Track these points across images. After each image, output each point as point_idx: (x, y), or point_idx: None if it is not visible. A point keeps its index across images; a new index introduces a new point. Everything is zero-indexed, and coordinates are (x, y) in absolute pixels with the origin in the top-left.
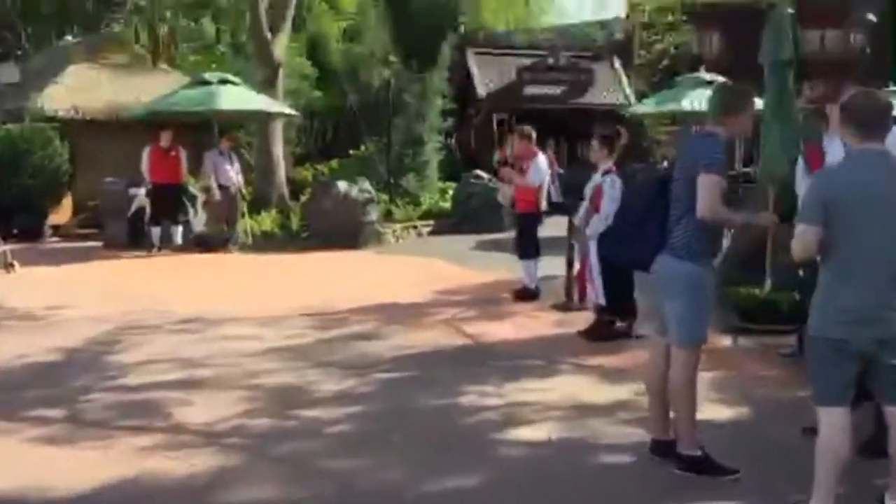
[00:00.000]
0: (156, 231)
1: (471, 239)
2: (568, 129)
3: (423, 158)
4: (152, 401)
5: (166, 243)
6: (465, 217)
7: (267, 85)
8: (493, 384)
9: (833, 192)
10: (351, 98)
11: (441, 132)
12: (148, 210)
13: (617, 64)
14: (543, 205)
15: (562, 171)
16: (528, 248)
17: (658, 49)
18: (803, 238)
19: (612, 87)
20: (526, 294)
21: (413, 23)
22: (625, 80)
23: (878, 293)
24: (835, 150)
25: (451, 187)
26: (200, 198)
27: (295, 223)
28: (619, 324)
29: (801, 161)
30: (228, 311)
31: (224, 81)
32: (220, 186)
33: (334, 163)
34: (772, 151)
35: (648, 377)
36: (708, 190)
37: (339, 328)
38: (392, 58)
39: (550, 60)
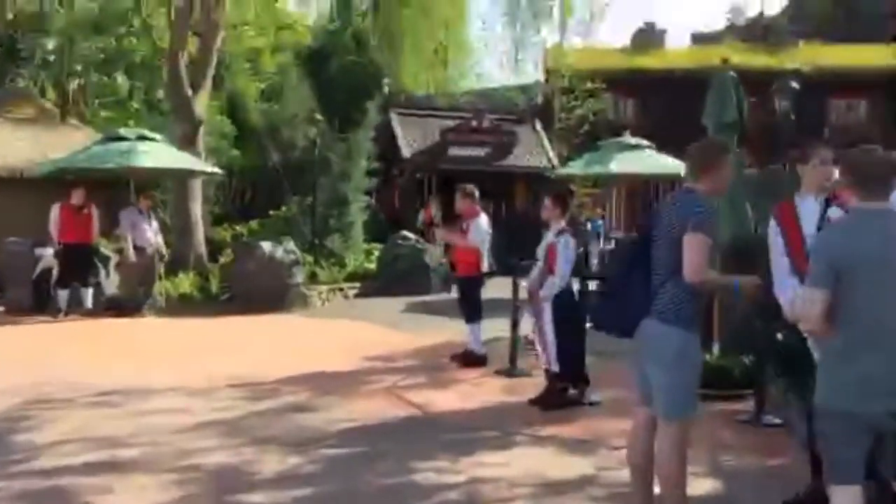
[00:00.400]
0: (63, 294)
1: (399, 301)
2: (492, 190)
3: (348, 219)
4: (68, 488)
5: (75, 307)
6: (392, 279)
7: (186, 142)
8: (448, 459)
9: (841, 253)
10: (273, 157)
11: (366, 192)
12: (55, 272)
13: (539, 127)
14: (485, 266)
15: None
16: (473, 311)
17: (578, 114)
18: (811, 302)
19: (535, 150)
20: (472, 359)
21: (334, 84)
22: (547, 143)
23: None
24: (807, 209)
25: (376, 248)
26: (113, 259)
27: (214, 285)
28: (570, 391)
29: (772, 222)
30: (149, 382)
31: (142, 138)
32: (136, 247)
33: (254, 223)
34: (721, 214)
35: (631, 451)
36: (695, 251)
37: (273, 399)
38: (318, 116)
39: (474, 122)
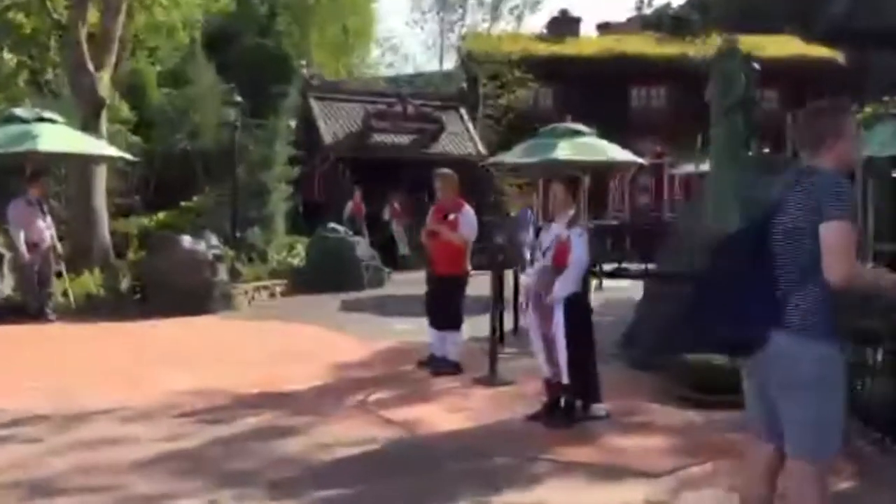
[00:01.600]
0: None
1: (332, 299)
2: (416, 179)
3: (268, 210)
4: None
5: None
6: (320, 274)
7: (87, 126)
8: (471, 498)
9: None
10: (180, 144)
11: (287, 181)
12: None
13: (465, 114)
14: (469, 265)
15: (408, 220)
16: (454, 317)
17: (502, 103)
18: None
19: (462, 138)
20: (444, 367)
21: (240, 66)
22: (473, 130)
23: None
24: None
25: (299, 241)
26: (7, 257)
27: (124, 283)
28: (572, 404)
29: None
30: (75, 404)
31: (41, 119)
32: (29, 243)
33: (162, 215)
34: (722, 197)
35: (746, 495)
36: (841, 244)
37: (233, 423)
38: (238, 97)
39: (399, 108)
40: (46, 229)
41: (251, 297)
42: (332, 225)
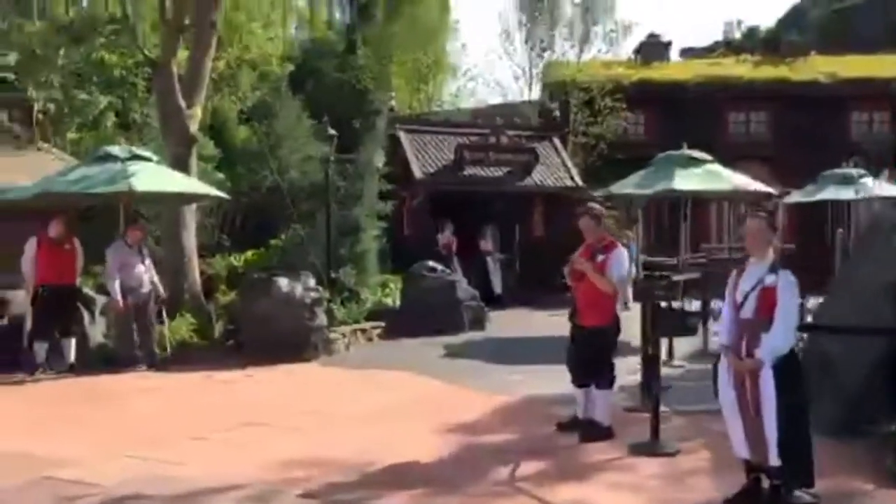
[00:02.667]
0: (41, 347)
1: (433, 343)
2: (505, 212)
3: (361, 248)
4: None
5: (56, 362)
6: (418, 315)
7: (178, 164)
8: None
9: None
10: (268, 181)
11: (380, 217)
12: (29, 320)
13: (559, 144)
14: (621, 311)
15: (502, 256)
16: (605, 374)
17: (594, 132)
18: None
19: (557, 169)
20: (594, 433)
21: (322, 101)
22: (569, 161)
23: None
24: None
25: (391, 280)
26: (99, 301)
27: (217, 328)
28: (779, 489)
29: None
30: (182, 478)
31: (135, 157)
32: (127, 288)
33: (250, 254)
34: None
35: None
36: None
37: None
38: (331, 130)
39: (492, 139)
40: (145, 273)
41: (349, 341)
42: (430, 263)
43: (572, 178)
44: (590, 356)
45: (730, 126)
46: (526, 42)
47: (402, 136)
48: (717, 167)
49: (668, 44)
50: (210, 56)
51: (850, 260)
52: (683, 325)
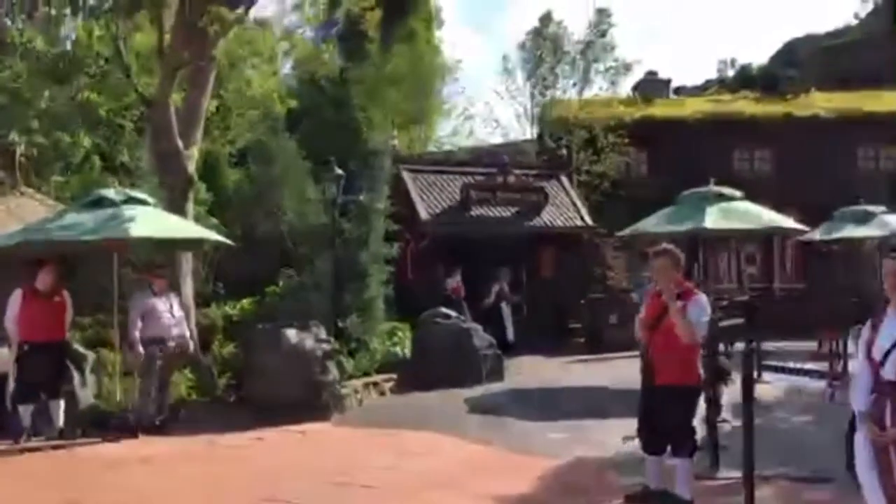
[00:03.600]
0: (26, 410)
1: (451, 396)
2: (513, 254)
3: (367, 294)
4: None
5: (43, 427)
6: (432, 366)
7: (174, 208)
8: None
9: None
10: (264, 225)
11: (387, 261)
12: (12, 380)
13: (566, 182)
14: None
15: (516, 299)
16: (687, 440)
17: (597, 170)
18: None
19: (567, 207)
20: None
21: (315, 142)
22: (578, 199)
23: None
24: None
25: (399, 328)
26: (91, 357)
27: (219, 384)
28: None
29: None
30: None
31: (130, 200)
32: (149, 340)
33: (246, 302)
34: None
35: None
36: None
37: None
38: (338, 170)
39: (499, 178)
40: (174, 325)
41: (361, 396)
42: (442, 309)
43: (582, 218)
44: (668, 420)
45: (735, 163)
46: (528, 80)
47: (406, 175)
48: (747, 204)
49: (668, 81)
50: (208, 94)
51: None
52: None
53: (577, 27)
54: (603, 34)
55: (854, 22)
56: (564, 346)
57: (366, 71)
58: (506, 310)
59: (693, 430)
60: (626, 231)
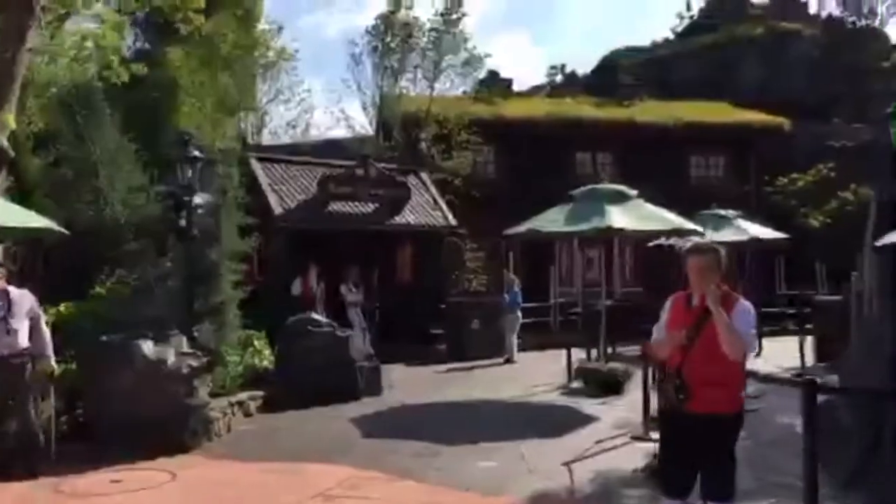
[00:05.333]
0: None
1: (331, 416)
2: (378, 254)
3: (218, 298)
4: None
5: None
6: (301, 382)
7: None
8: None
9: None
10: (83, 214)
11: (241, 260)
12: None
13: (427, 178)
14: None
15: (363, 300)
16: (726, 480)
17: (448, 166)
18: None
19: (428, 205)
20: None
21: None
22: (439, 196)
23: None
24: None
25: (256, 337)
26: None
27: (46, 413)
28: None
29: None
30: None
31: None
32: None
33: (63, 307)
34: None
35: None
36: None
37: None
38: (196, 152)
39: (359, 171)
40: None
41: (228, 419)
42: (314, 316)
43: (445, 217)
44: (703, 456)
45: (577, 166)
46: (377, 71)
47: (255, 165)
48: (645, 204)
49: (510, 82)
50: (24, 51)
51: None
52: None
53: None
54: (453, 24)
55: (671, 37)
56: (426, 354)
57: (188, 53)
58: (354, 315)
59: (733, 468)
60: (521, 229)
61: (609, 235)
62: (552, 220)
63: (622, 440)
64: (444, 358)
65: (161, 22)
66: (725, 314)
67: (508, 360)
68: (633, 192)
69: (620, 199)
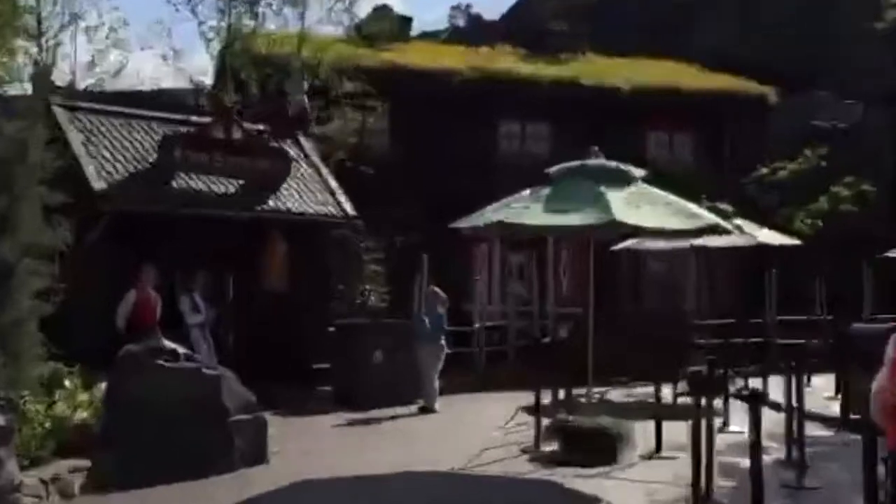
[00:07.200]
0: None
1: (192, 498)
2: (237, 253)
3: (11, 315)
4: None
5: None
6: (145, 443)
7: None
8: None
9: None
10: None
11: (49, 257)
12: None
13: (309, 147)
14: None
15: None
16: None
17: (327, 131)
18: None
19: (312, 184)
20: None
21: None
22: (329, 175)
23: None
24: None
25: (67, 374)
26: None
27: None
28: None
29: None
30: None
31: None
32: None
33: None
34: None
35: None
36: None
37: None
38: None
39: (219, 133)
40: None
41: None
42: (163, 342)
43: (338, 203)
44: None
45: (501, 139)
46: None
47: (61, 116)
48: (654, 189)
49: (409, 20)
50: None
51: None
52: None
53: None
54: None
55: None
56: (303, 398)
57: None
58: (200, 340)
59: None
60: (477, 222)
61: (613, 233)
62: (525, 210)
63: None
64: (330, 405)
65: None
66: None
67: (425, 410)
68: (638, 172)
69: (620, 180)
